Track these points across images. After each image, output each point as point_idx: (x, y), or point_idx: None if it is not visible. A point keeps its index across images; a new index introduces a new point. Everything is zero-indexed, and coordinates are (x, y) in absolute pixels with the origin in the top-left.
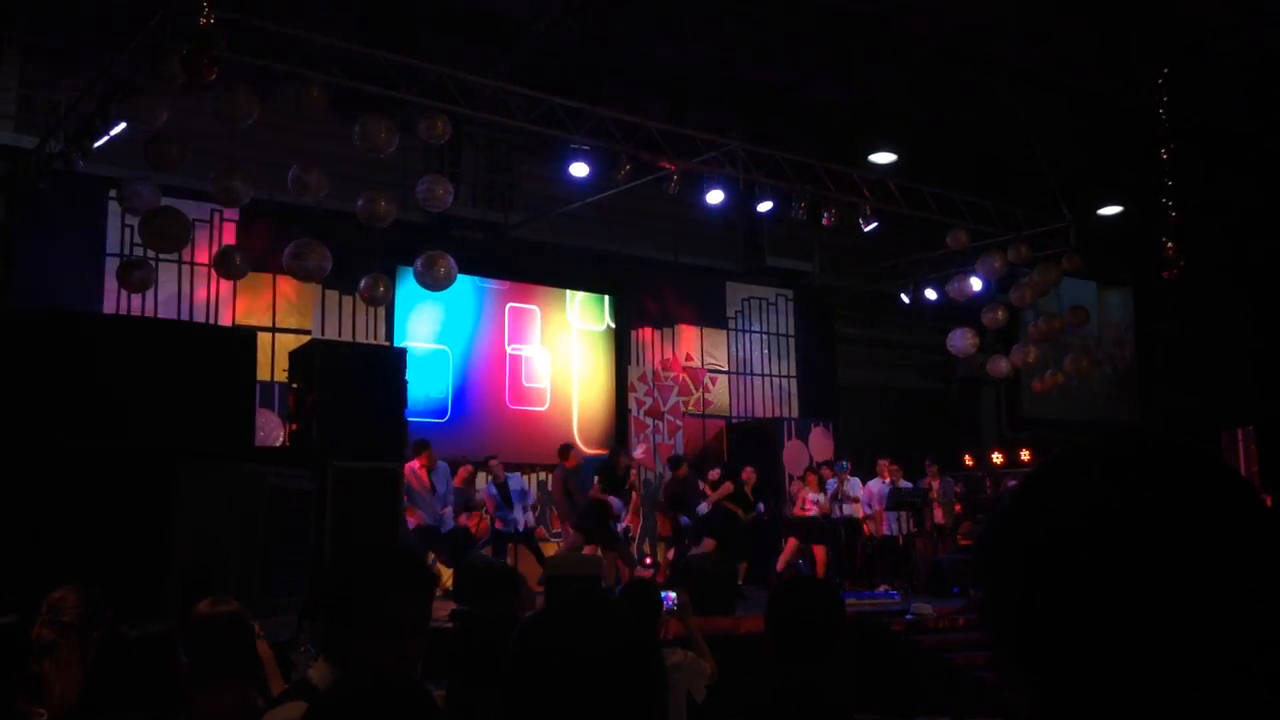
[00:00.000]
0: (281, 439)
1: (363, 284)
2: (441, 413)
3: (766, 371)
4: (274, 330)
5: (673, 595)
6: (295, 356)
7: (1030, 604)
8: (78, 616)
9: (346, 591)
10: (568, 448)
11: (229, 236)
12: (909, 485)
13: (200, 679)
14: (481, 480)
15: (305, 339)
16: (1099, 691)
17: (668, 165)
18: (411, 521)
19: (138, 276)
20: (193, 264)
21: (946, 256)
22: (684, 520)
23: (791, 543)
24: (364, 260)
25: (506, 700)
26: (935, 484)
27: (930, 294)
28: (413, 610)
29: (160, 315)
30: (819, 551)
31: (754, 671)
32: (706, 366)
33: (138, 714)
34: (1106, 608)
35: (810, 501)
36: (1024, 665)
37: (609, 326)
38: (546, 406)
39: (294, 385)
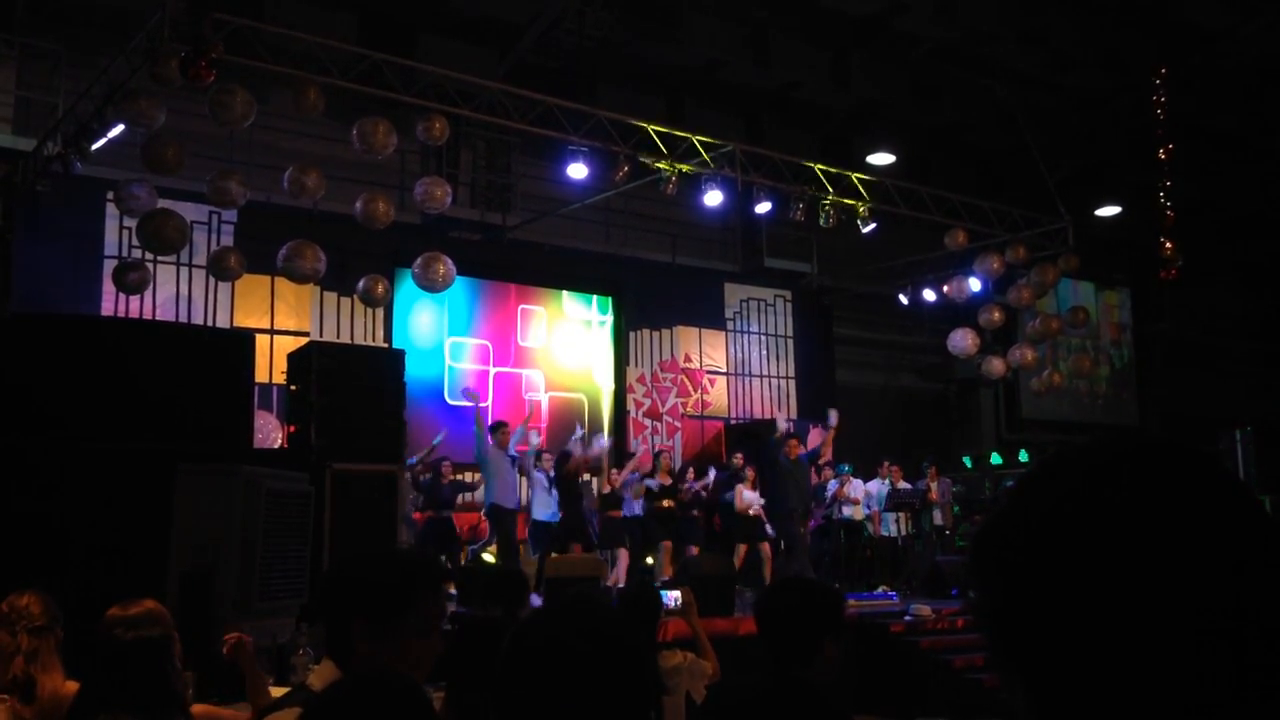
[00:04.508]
0: (280, 441)
1: (360, 285)
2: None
3: (765, 372)
4: (272, 332)
5: (676, 594)
6: (293, 358)
7: (1024, 606)
8: (48, 619)
9: (404, 592)
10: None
11: (227, 238)
12: (908, 486)
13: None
14: None
15: (303, 341)
16: (1093, 694)
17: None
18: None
19: (135, 278)
20: (190, 266)
21: (944, 257)
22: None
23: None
24: (362, 262)
25: (498, 700)
26: (934, 485)
27: (928, 295)
28: (442, 605)
29: (158, 317)
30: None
31: (751, 672)
32: (705, 368)
33: (132, 716)
34: (1100, 610)
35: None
36: (1019, 667)
37: (607, 325)
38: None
39: (292, 387)
